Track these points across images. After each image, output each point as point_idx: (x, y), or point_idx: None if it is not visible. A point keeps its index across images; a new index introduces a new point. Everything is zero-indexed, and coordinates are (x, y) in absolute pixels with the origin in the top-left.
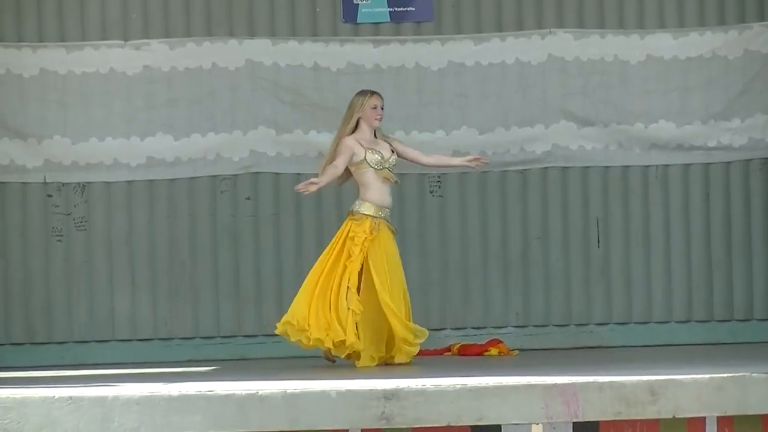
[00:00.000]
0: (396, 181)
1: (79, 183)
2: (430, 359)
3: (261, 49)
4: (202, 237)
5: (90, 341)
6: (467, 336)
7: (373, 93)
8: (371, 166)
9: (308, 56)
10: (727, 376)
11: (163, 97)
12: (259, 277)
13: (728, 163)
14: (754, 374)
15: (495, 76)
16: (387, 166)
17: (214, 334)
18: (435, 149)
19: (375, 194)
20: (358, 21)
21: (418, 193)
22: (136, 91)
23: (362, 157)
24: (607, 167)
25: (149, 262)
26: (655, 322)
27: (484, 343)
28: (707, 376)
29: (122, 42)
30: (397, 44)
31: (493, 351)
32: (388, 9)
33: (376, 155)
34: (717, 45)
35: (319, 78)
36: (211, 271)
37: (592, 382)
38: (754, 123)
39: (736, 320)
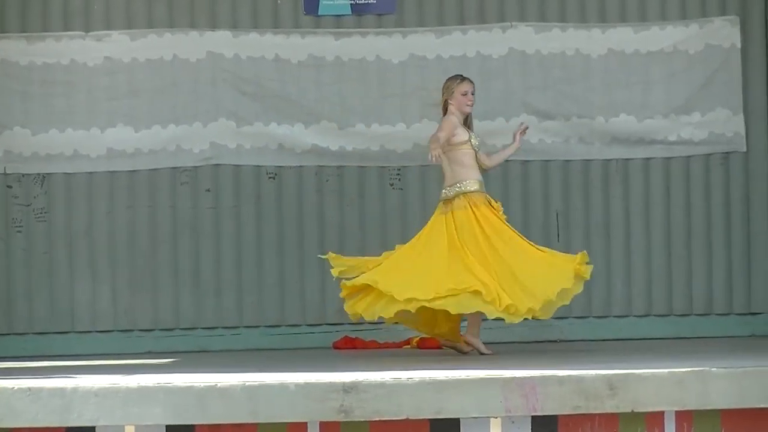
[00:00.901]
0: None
1: (39, 174)
2: (389, 352)
3: (222, 41)
4: (162, 229)
5: (50, 332)
6: None
7: (463, 78)
8: (473, 148)
9: (269, 48)
10: (687, 371)
11: (124, 88)
12: (219, 269)
13: (689, 157)
14: (713, 369)
15: (456, 69)
16: (477, 150)
17: (174, 326)
18: (395, 142)
19: (474, 173)
20: (319, 13)
21: (378, 186)
22: (97, 83)
23: (466, 138)
24: (568, 161)
25: (109, 253)
26: (614, 316)
27: None
28: (666, 370)
29: (83, 33)
30: (359, 37)
31: None
32: (350, 1)
33: (475, 139)
34: (678, 39)
35: (280, 70)
36: (171, 263)
37: (551, 376)
38: (715, 117)
39: (696, 314)
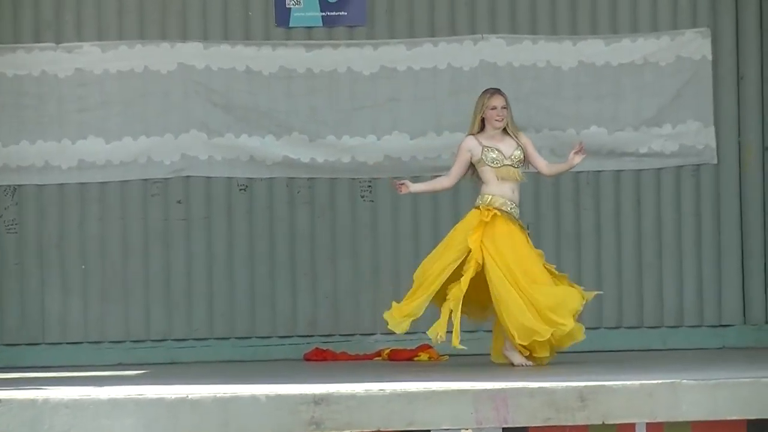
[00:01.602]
0: (519, 179)
1: (9, 185)
2: (360, 364)
3: (193, 53)
4: (133, 240)
5: (20, 344)
6: (398, 341)
7: (493, 93)
8: (487, 164)
9: (240, 60)
10: (658, 383)
11: (95, 99)
12: (189, 280)
13: (660, 169)
14: (684, 381)
15: (427, 81)
16: (508, 163)
17: (145, 338)
18: (366, 154)
19: (494, 190)
20: (290, 25)
21: (349, 198)
22: (68, 94)
23: (479, 156)
24: (538, 172)
25: (80, 265)
26: (585, 328)
27: (414, 348)
28: (637, 382)
29: (54, 45)
30: (330, 48)
31: (423, 356)
32: (321, 13)
33: (493, 153)
34: (649, 51)
35: (251, 82)
36: (142, 275)
37: (522, 388)
38: (685, 129)
39: (667, 326)
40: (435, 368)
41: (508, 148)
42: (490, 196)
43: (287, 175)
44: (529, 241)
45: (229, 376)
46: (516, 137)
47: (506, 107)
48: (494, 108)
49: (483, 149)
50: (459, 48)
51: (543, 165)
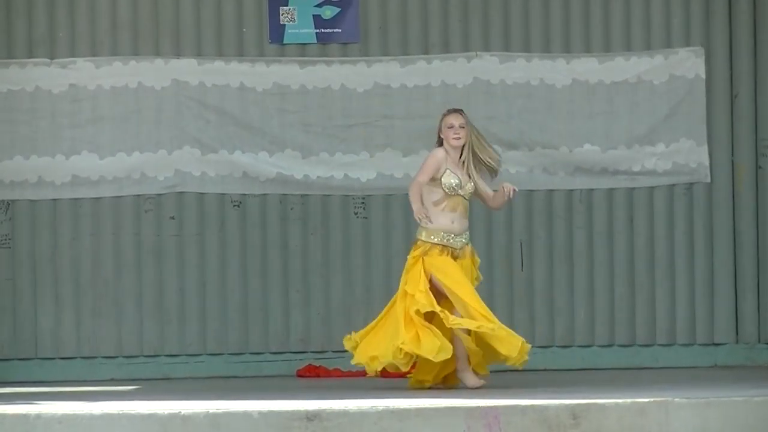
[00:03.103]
0: (461, 210)
1: (3, 201)
2: (352, 381)
3: (187, 69)
4: (126, 256)
5: (12, 359)
6: None
7: (451, 112)
8: (442, 187)
9: (234, 76)
10: (649, 401)
11: (89, 115)
12: (182, 296)
13: (653, 187)
14: (676, 399)
15: (420, 98)
16: (461, 193)
17: (137, 353)
18: (359, 171)
19: (431, 223)
20: (284, 42)
21: (342, 215)
22: (62, 110)
23: (440, 174)
24: (532, 191)
25: (73, 280)
26: (577, 346)
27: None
28: (629, 400)
29: (48, 60)
30: (324, 65)
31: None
32: (315, 30)
33: (453, 179)
34: (643, 70)
35: (245, 98)
36: (134, 290)
37: (515, 405)
38: (678, 148)
39: (659, 345)
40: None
41: (463, 177)
42: (425, 231)
43: (280, 191)
44: (473, 271)
45: (221, 391)
46: (471, 167)
47: (464, 126)
48: (451, 126)
49: (447, 171)
50: (452, 65)
51: (488, 197)
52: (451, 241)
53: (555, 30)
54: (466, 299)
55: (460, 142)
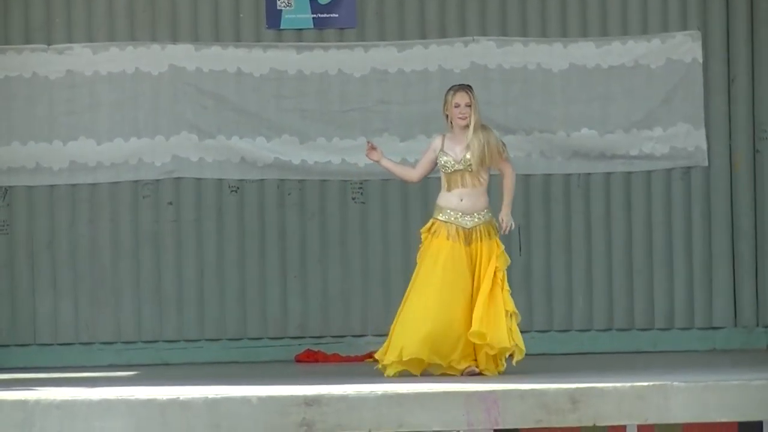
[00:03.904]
0: (471, 185)
1: (0, 187)
2: (351, 366)
3: (184, 54)
4: (123, 241)
5: (11, 345)
6: None
7: (458, 89)
8: (440, 169)
9: (231, 62)
10: (648, 385)
11: (86, 101)
12: (180, 282)
13: (650, 171)
14: (675, 383)
15: (418, 83)
16: (459, 167)
17: (136, 339)
18: (356, 156)
19: (440, 201)
20: (281, 27)
21: (340, 200)
22: (59, 96)
23: (435, 158)
24: (529, 175)
25: (71, 266)
26: (576, 330)
27: None
28: (628, 384)
29: (45, 46)
30: (321, 50)
31: None
32: (312, 15)
33: (444, 156)
34: (640, 54)
35: (242, 83)
36: (132, 276)
37: (513, 390)
38: (676, 132)
39: (657, 329)
40: (426, 370)
41: (461, 151)
42: (436, 209)
43: (278, 176)
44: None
45: (219, 377)
46: (473, 140)
47: (470, 105)
48: (457, 105)
49: (441, 152)
50: (449, 50)
51: (507, 170)
52: (459, 219)
53: (552, 14)
54: (408, 302)
55: (465, 122)
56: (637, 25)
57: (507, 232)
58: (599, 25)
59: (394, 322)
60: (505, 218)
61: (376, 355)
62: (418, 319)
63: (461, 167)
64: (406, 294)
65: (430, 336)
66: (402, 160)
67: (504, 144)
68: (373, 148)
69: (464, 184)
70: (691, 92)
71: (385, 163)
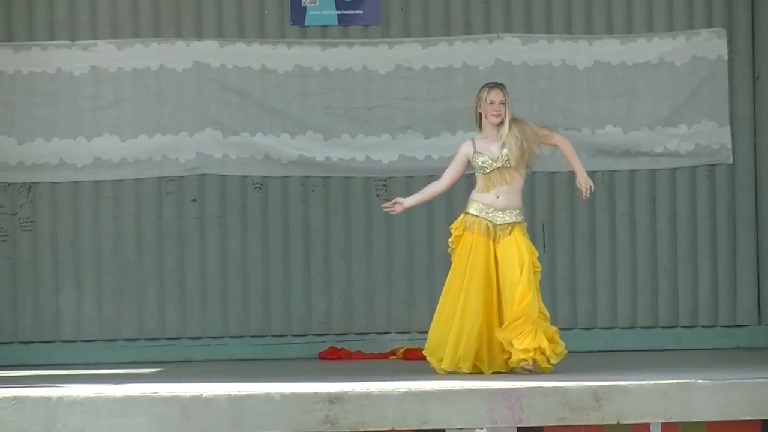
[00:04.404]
0: (509, 182)
1: (24, 183)
2: (374, 363)
3: (208, 51)
4: (147, 238)
5: (34, 342)
6: (412, 340)
7: (492, 87)
8: (478, 171)
9: (256, 58)
10: (672, 383)
11: (110, 97)
12: (204, 279)
13: (675, 169)
14: (698, 381)
15: (442, 80)
16: (498, 165)
17: (159, 336)
18: (381, 153)
19: (475, 196)
20: (305, 24)
21: (364, 197)
22: (83, 92)
23: (472, 162)
24: (553, 172)
25: (94, 262)
26: (600, 328)
27: None
28: (651, 382)
29: (70, 42)
30: (345, 47)
31: None
32: (336, 12)
33: (481, 157)
34: (665, 51)
35: (266, 80)
36: (156, 273)
37: (537, 387)
38: (700, 129)
39: (681, 326)
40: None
41: (497, 148)
42: (468, 202)
43: (302, 173)
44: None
45: (243, 374)
46: (509, 137)
47: (504, 103)
48: (492, 103)
49: (474, 154)
50: (474, 47)
51: (558, 140)
52: (490, 215)
53: (577, 11)
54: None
55: (499, 120)
56: (662, 22)
57: (588, 195)
58: (624, 22)
59: (436, 318)
60: (583, 180)
61: (424, 352)
62: (464, 334)
63: (500, 164)
64: (445, 291)
65: (472, 353)
66: (426, 157)
67: (540, 126)
68: (393, 204)
69: (503, 181)
70: (715, 90)
71: (412, 202)
